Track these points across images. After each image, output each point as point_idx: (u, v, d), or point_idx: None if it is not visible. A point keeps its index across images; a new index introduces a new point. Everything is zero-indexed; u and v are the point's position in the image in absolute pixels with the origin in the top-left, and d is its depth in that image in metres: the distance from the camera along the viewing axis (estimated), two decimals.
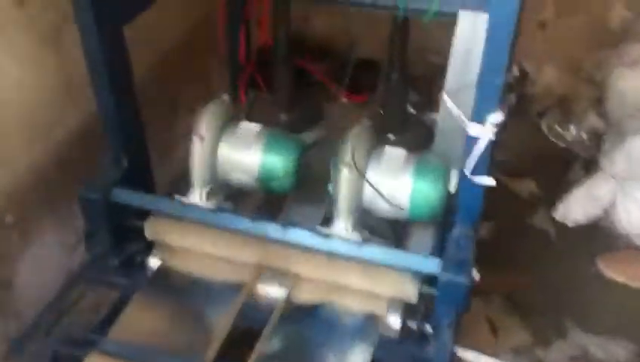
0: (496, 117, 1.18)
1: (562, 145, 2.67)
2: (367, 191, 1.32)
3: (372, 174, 1.32)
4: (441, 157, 1.44)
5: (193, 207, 1.39)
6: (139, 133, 1.51)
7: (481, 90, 1.17)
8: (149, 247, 1.49)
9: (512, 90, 2.75)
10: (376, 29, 1.70)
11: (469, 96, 1.23)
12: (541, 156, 2.62)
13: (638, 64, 2.44)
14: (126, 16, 1.36)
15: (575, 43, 2.73)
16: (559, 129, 2.70)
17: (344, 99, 2.35)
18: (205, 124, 1.37)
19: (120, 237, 1.48)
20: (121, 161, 1.45)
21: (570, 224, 2.27)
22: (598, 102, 2.62)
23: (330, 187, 1.35)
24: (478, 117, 1.19)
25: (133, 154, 1.48)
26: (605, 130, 2.51)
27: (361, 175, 1.29)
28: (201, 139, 1.34)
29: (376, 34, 1.69)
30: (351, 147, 1.28)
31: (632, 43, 2.54)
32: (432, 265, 1.29)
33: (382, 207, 1.33)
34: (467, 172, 1.25)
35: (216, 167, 1.40)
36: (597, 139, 2.54)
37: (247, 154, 1.40)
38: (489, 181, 1.26)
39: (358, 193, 1.32)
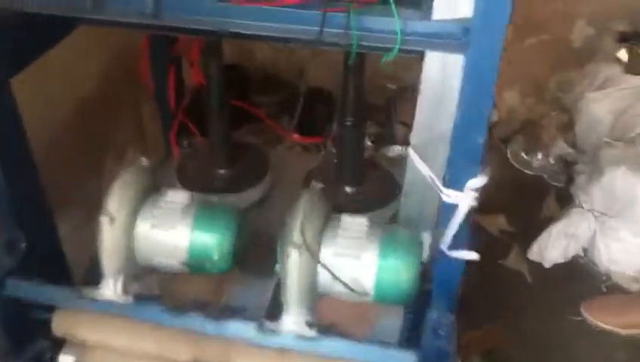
0: (478, 181, 0.95)
1: (530, 173, 2.49)
2: (323, 273, 1.07)
3: (327, 254, 1.07)
4: (409, 221, 1.20)
5: (104, 301, 1.12)
6: (40, 208, 1.25)
7: (458, 150, 0.94)
8: (59, 344, 1.24)
9: None
10: (326, 54, 1.45)
11: (441, 150, 1.01)
12: (509, 187, 2.43)
13: (608, 85, 2.28)
14: (11, 69, 1.08)
15: (537, 64, 2.58)
16: (525, 156, 2.53)
17: (294, 138, 2.12)
18: (117, 200, 1.08)
19: (22, 334, 1.24)
20: (17, 245, 1.18)
21: (546, 265, 2.08)
22: (566, 127, 2.46)
23: (277, 268, 1.09)
24: (455, 182, 0.96)
25: (34, 235, 1.21)
26: (576, 158, 2.34)
27: (315, 257, 1.04)
28: (112, 219, 1.06)
29: (327, 59, 1.44)
30: (300, 223, 1.02)
31: (598, 63, 2.40)
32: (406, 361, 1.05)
33: (341, 292, 1.08)
34: (444, 247, 1.02)
35: (134, 251, 1.13)
36: (566, 166, 2.40)
37: (173, 233, 1.13)
38: (471, 255, 1.03)
39: (311, 278, 1.06)
